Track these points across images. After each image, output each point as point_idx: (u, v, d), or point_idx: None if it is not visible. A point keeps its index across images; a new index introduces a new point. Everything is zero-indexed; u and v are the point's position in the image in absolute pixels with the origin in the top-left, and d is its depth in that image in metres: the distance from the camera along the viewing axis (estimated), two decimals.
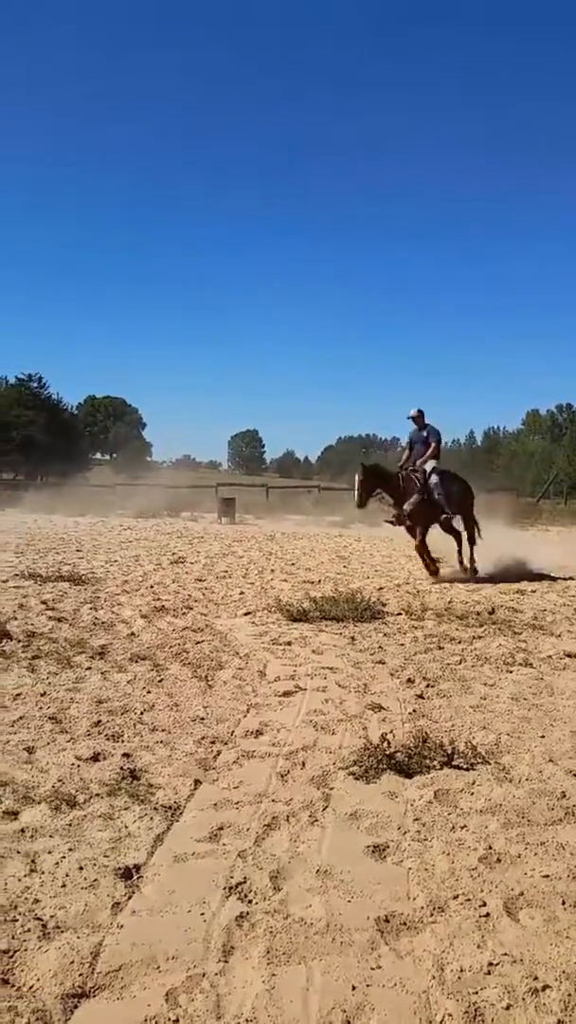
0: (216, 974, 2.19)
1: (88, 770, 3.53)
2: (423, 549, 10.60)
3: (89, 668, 5.33)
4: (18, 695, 4.68)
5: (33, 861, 2.74)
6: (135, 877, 2.66)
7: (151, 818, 3.08)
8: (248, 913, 2.47)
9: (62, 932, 2.34)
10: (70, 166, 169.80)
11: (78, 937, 2.31)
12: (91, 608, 7.57)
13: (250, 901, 2.55)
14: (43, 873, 2.67)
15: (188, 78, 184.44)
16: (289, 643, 6.36)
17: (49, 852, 2.80)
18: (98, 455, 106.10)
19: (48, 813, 3.09)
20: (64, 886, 2.58)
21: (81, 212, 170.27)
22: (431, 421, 11.00)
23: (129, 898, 2.54)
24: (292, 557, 13.47)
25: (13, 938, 2.29)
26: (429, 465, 10.76)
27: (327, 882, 2.67)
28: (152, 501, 26.55)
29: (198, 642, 6.23)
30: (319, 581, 10.14)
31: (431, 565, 10.57)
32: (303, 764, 3.72)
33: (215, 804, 3.25)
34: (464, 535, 11.04)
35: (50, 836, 2.93)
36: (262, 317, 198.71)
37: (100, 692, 4.77)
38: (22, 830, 2.95)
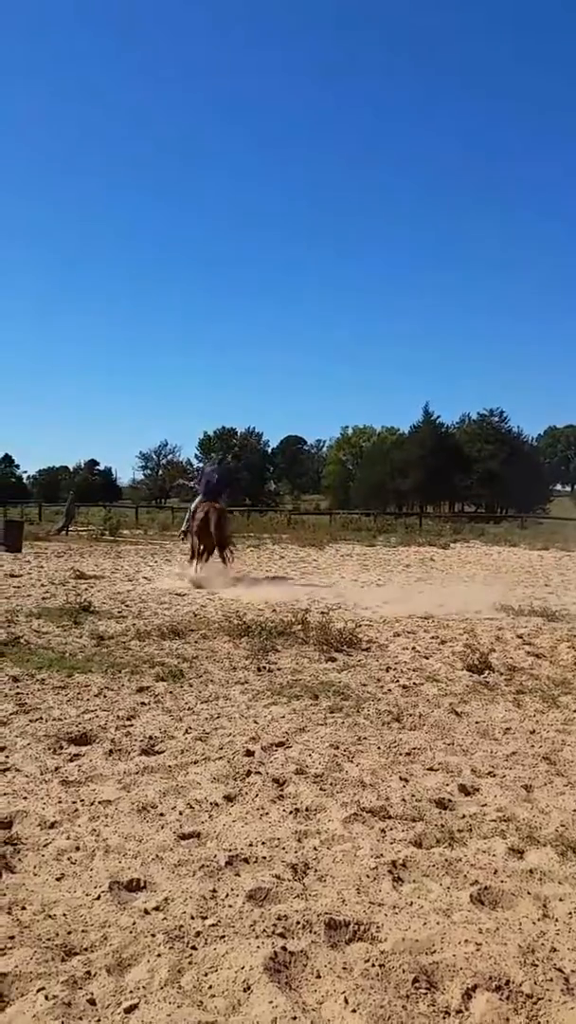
0: None
1: None
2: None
3: None
4: (507, 729, 4.71)
5: (545, 905, 2.68)
6: None
7: None
8: None
9: None
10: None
11: None
12: (569, 647, 7.32)
13: None
14: (557, 920, 2.59)
15: None
16: None
17: (560, 899, 2.71)
18: (558, 486, 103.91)
19: (555, 858, 3.01)
20: None
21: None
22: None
23: None
24: None
25: (536, 984, 2.25)
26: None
27: None
28: None
29: None
30: None
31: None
32: None
33: None
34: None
35: (559, 883, 2.84)
36: None
37: None
38: (530, 871, 2.91)
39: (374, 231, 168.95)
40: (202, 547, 12.73)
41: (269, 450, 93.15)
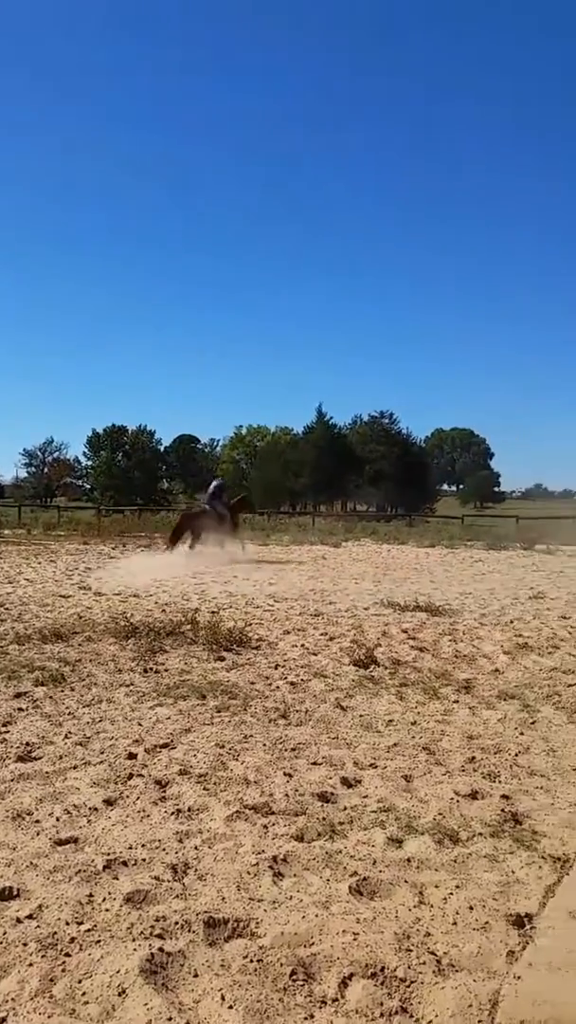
0: None
1: (468, 807, 3.48)
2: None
3: (456, 701, 5.31)
4: (390, 721, 4.81)
5: (421, 893, 2.74)
6: (527, 927, 2.53)
7: (539, 867, 2.92)
8: None
9: (456, 971, 2.30)
10: None
11: (474, 980, 2.25)
12: (451, 640, 7.56)
13: None
14: (432, 907, 2.66)
15: None
16: None
17: (436, 886, 2.79)
18: (444, 486, 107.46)
19: (432, 846, 3.09)
20: (455, 924, 2.55)
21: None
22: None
23: (523, 948, 2.42)
24: None
25: (409, 968, 2.30)
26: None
27: None
28: (502, 533, 26.02)
29: (570, 685, 5.87)
30: None
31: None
32: None
33: None
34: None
35: (435, 870, 2.91)
36: None
37: (470, 728, 4.71)
38: (408, 859, 2.98)
39: (263, 231, 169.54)
40: (172, 538, 17.46)
41: (162, 448, 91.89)
